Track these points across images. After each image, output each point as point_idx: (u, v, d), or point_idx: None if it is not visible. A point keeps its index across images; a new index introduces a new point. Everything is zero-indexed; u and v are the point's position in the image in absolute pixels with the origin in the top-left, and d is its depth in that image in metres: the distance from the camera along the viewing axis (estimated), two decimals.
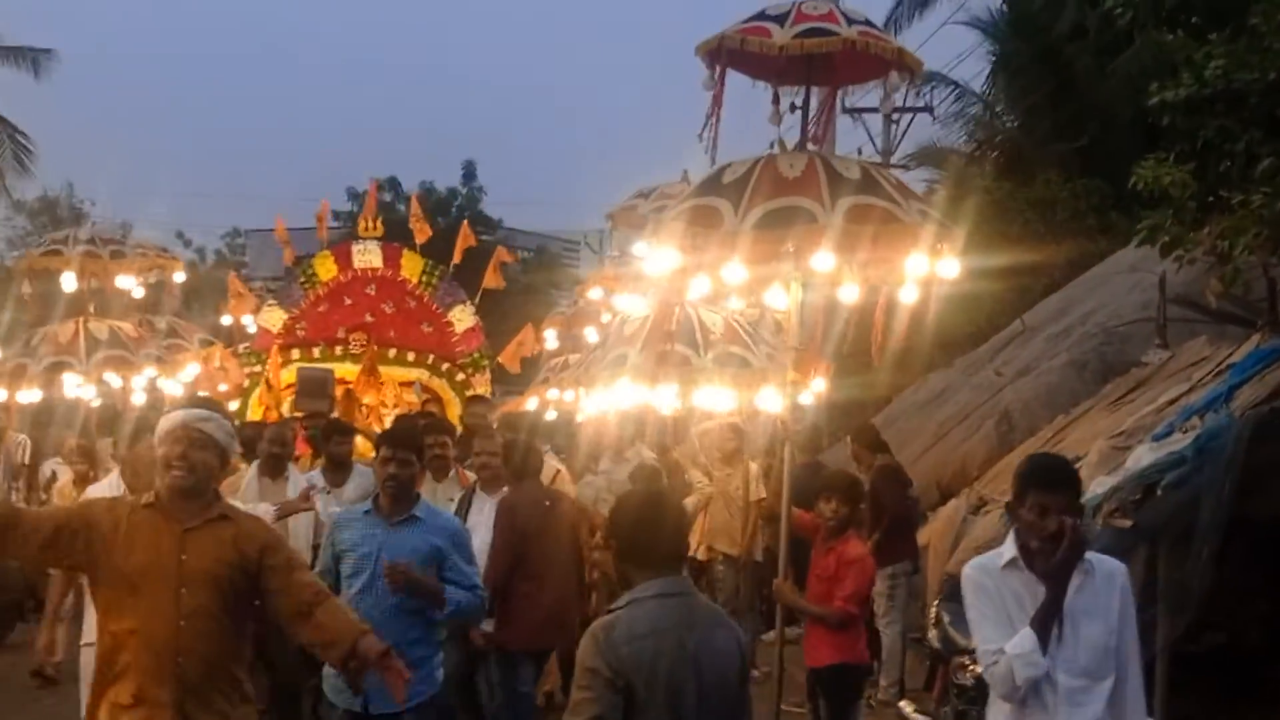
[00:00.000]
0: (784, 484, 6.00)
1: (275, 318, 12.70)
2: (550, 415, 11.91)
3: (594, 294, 10.74)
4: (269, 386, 11.78)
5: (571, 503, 7.29)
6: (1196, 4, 9.65)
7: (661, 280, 6.21)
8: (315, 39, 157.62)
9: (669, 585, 3.28)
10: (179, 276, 12.40)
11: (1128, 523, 7.17)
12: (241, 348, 12.85)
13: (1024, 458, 4.71)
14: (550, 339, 13.15)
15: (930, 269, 5.69)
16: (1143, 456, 7.51)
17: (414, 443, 5.26)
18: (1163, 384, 9.36)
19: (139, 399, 10.81)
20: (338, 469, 7.53)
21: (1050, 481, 3.68)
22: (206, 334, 12.71)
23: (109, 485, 5.85)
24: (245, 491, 6.81)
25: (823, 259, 5.49)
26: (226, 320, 14.06)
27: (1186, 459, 7.03)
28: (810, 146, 6.08)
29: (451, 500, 6.97)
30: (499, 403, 12.12)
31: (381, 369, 12.35)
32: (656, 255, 5.78)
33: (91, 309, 10.75)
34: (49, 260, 10.90)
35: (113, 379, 10.28)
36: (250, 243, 37.31)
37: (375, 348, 12.35)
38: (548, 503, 6.71)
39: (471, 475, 7.17)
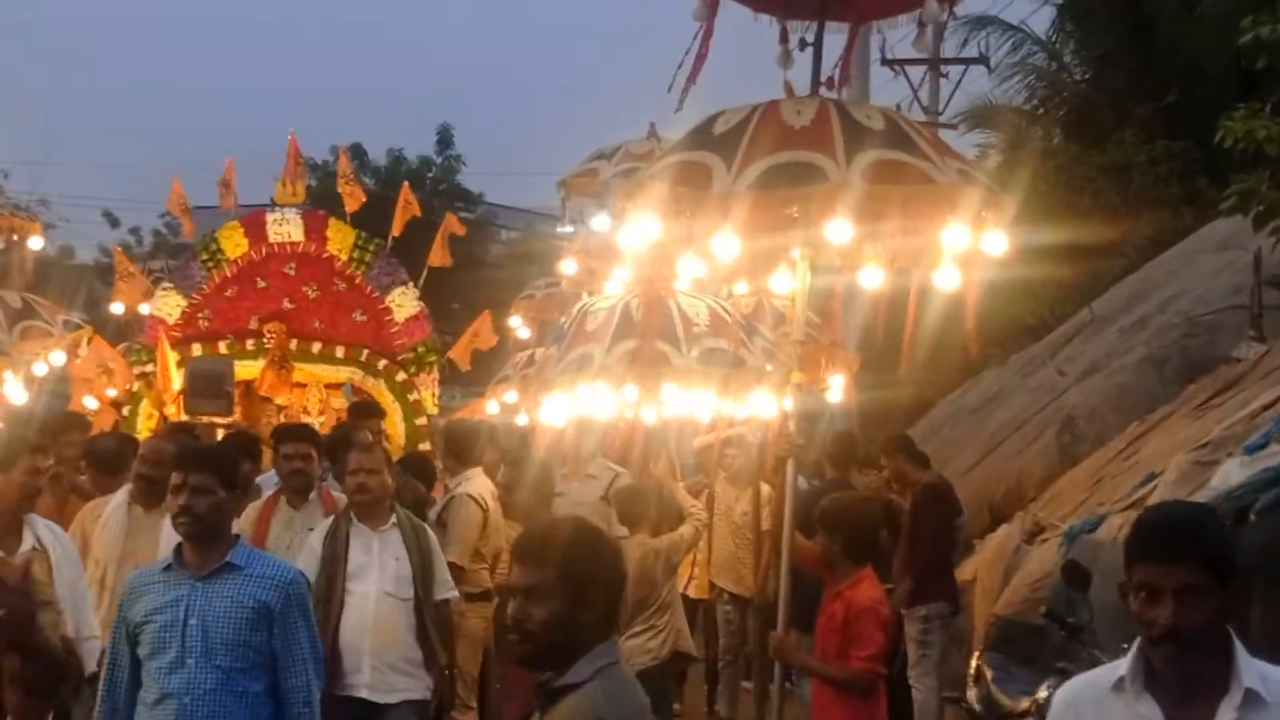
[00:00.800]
0: (786, 508, 5.92)
1: (171, 304, 12.42)
2: (521, 420, 11.69)
3: (567, 268, 10.62)
4: (149, 386, 11.59)
5: None
6: None
7: (640, 258, 6.12)
8: None
9: (618, 649, 3.30)
10: (35, 242, 11.73)
11: None
12: (135, 343, 12.59)
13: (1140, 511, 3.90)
14: (520, 328, 13.17)
15: (973, 244, 5.54)
16: (1232, 473, 7.78)
17: (215, 463, 4.80)
18: (1257, 385, 9.62)
19: None
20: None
21: (1161, 549, 2.93)
22: (74, 316, 12.03)
23: None
24: (109, 522, 6.52)
25: (837, 228, 5.35)
26: (118, 308, 13.85)
27: None
28: (826, 93, 5.91)
29: (311, 530, 6.77)
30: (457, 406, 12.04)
31: (305, 368, 12.31)
32: (635, 225, 5.60)
33: None
34: None
35: None
36: (198, 222, 37.55)
37: (294, 341, 12.20)
38: None
39: (339, 495, 7.01)
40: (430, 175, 34.60)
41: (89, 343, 12.04)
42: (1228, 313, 12.45)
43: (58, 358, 10.99)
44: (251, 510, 7.04)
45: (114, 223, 36.93)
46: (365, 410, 10.52)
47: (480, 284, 23.66)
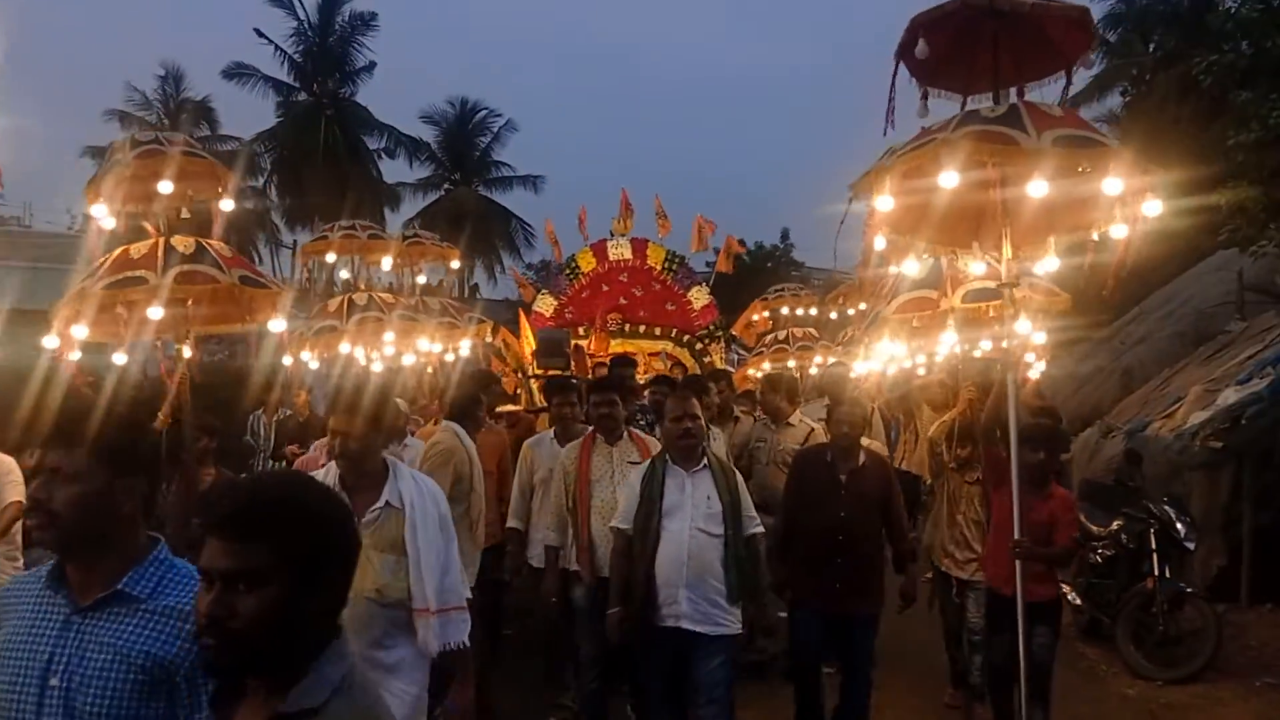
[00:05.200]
0: (1011, 422, 5.90)
1: (547, 304, 16.40)
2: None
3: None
4: (508, 349, 14.08)
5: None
6: None
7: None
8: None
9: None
10: (454, 265, 13.53)
11: (1219, 444, 9.57)
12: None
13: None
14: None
15: (1132, 195, 5.31)
16: (1229, 396, 9.86)
17: (74, 430, 2.77)
18: (1242, 345, 12.49)
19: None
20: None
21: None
22: (483, 315, 14.00)
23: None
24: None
25: (1111, 184, 5.20)
26: None
27: (1264, 397, 9.44)
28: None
29: (634, 463, 6.80)
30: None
31: (634, 342, 15.72)
32: (945, 179, 5.26)
33: (361, 285, 11.39)
34: (321, 245, 11.62)
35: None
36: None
37: (626, 325, 15.90)
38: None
39: (654, 443, 6.92)
40: (777, 254, 51.86)
41: (493, 332, 14.29)
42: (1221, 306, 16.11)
43: (465, 346, 12.44)
44: (573, 448, 7.18)
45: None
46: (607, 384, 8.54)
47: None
